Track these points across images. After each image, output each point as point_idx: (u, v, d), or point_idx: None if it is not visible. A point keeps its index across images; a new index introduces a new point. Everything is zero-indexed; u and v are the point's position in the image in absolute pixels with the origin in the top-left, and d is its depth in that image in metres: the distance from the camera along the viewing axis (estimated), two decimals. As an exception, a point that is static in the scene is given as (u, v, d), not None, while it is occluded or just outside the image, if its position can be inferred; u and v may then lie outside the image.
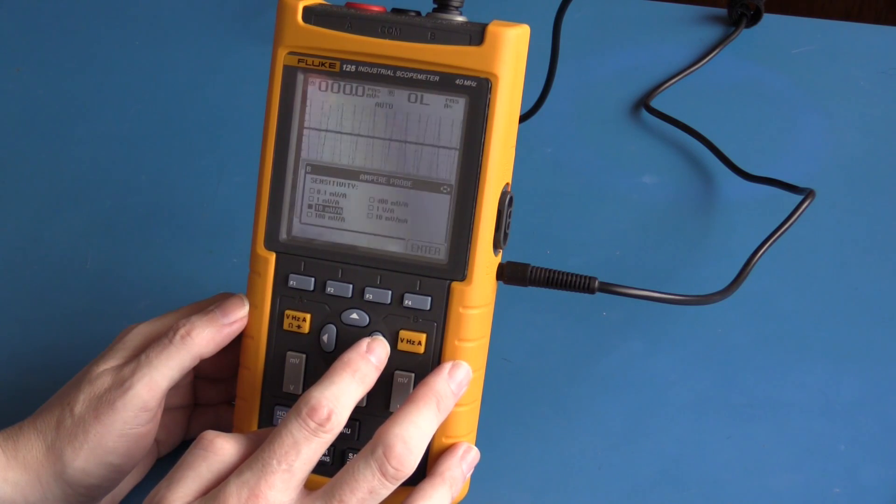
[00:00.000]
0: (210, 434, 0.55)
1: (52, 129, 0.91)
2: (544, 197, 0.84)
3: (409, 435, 0.54)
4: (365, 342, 0.58)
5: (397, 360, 0.59)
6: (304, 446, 0.53)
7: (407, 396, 0.58)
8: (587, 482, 0.65)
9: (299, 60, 0.59)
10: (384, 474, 0.53)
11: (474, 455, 0.59)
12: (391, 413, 0.58)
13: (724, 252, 0.79)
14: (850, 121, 0.92)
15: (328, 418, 0.54)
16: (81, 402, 0.58)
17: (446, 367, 0.58)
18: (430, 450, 0.59)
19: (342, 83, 0.59)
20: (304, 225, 0.60)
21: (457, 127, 0.58)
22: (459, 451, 0.59)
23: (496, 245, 0.59)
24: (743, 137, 0.89)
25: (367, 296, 0.59)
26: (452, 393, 0.57)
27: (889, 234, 0.82)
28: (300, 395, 0.55)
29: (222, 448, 0.55)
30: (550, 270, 0.61)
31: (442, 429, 0.59)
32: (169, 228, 0.82)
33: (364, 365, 0.57)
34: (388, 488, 0.54)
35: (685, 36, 1.00)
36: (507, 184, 0.59)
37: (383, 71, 0.58)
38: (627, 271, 0.78)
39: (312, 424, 0.54)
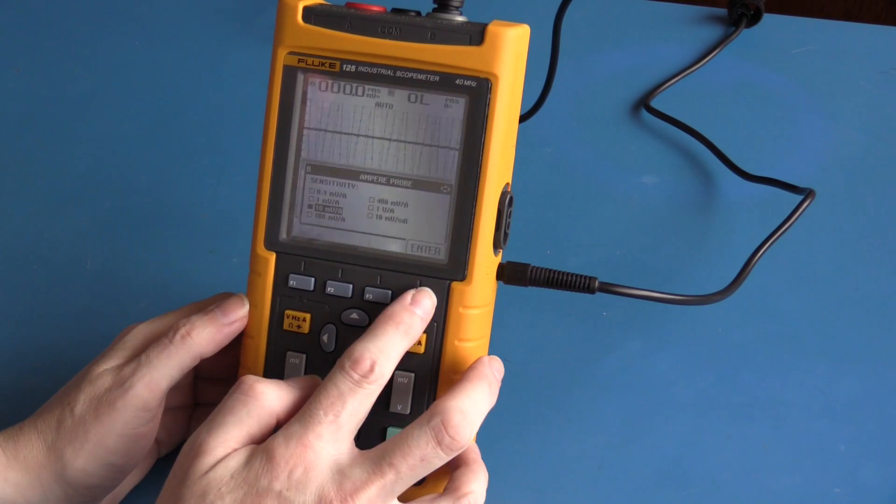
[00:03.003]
0: (250, 378, 0.55)
1: (52, 129, 0.91)
2: (544, 197, 0.84)
3: (467, 408, 0.54)
4: (410, 293, 0.57)
5: (397, 360, 0.59)
6: (350, 398, 0.53)
7: (461, 378, 0.57)
8: (587, 482, 0.65)
9: (299, 60, 0.59)
10: (439, 442, 0.53)
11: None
12: (391, 413, 0.59)
13: (724, 252, 0.79)
14: (850, 121, 0.92)
15: (371, 370, 0.54)
16: (82, 403, 0.58)
17: (487, 358, 0.58)
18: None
19: (342, 83, 0.59)
20: (305, 225, 0.60)
21: (457, 127, 0.58)
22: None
23: (496, 245, 0.59)
24: (743, 137, 0.89)
25: (368, 296, 0.59)
26: (496, 378, 0.57)
27: (889, 234, 0.82)
28: (346, 350, 0.55)
29: (262, 393, 0.54)
30: (550, 270, 0.61)
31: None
32: (169, 228, 0.82)
33: (408, 317, 0.56)
34: (441, 458, 0.53)
35: (685, 36, 1.00)
36: (508, 184, 0.59)
37: (383, 71, 0.58)
38: (627, 271, 0.78)
39: (356, 376, 0.54)
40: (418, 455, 0.53)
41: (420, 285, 0.59)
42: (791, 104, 0.93)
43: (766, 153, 0.88)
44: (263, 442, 0.53)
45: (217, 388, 0.66)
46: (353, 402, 0.53)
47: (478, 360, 0.58)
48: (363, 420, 0.55)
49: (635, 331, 0.74)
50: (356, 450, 0.54)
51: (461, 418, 0.53)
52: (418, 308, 0.57)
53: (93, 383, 0.59)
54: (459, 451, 0.54)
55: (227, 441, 0.53)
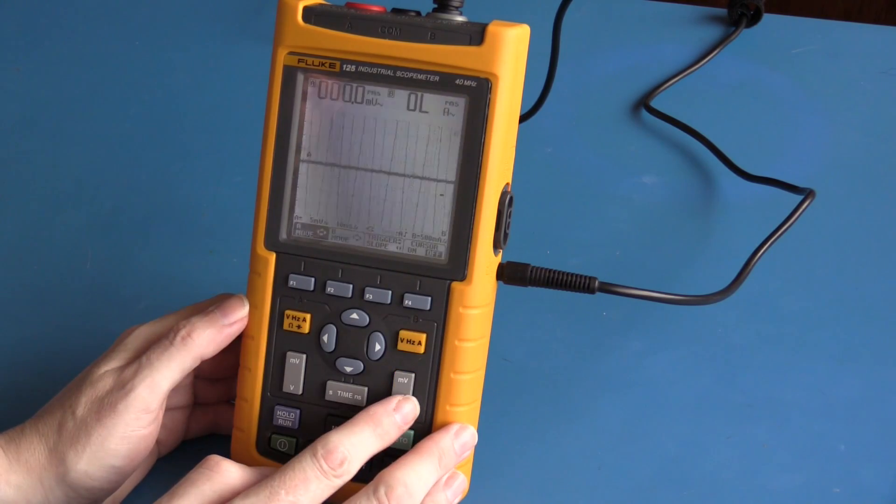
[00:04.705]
0: (216, 457, 0.56)
1: (52, 129, 0.91)
2: (544, 197, 0.84)
3: (410, 480, 0.56)
4: (396, 399, 0.59)
5: (397, 360, 0.59)
6: (314, 484, 0.55)
7: (412, 450, 0.58)
8: (587, 482, 0.65)
9: (299, 60, 0.59)
10: None
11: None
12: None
13: (724, 252, 0.79)
14: (850, 121, 0.92)
15: (341, 464, 0.55)
16: (83, 405, 0.58)
17: (454, 427, 0.59)
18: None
19: (342, 83, 0.59)
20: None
21: (457, 127, 0.58)
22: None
23: (496, 245, 0.59)
24: (743, 137, 0.89)
25: (367, 296, 0.59)
26: (455, 452, 0.59)
27: (889, 234, 0.82)
28: (320, 437, 0.56)
29: (227, 470, 0.56)
30: (550, 270, 0.61)
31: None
32: (169, 228, 0.82)
33: (387, 421, 0.58)
34: None
35: (685, 36, 1.00)
36: (508, 184, 0.59)
37: (383, 71, 0.58)
38: (627, 271, 0.78)
39: (325, 466, 0.55)
40: None
41: (420, 285, 0.59)
42: (791, 104, 0.93)
43: (766, 153, 0.88)
44: None
45: (216, 388, 0.66)
46: (315, 489, 0.55)
47: (440, 431, 0.59)
48: None
49: (635, 331, 0.74)
50: None
51: (403, 490, 0.56)
52: (398, 414, 0.58)
53: (94, 385, 0.59)
54: None
55: None
